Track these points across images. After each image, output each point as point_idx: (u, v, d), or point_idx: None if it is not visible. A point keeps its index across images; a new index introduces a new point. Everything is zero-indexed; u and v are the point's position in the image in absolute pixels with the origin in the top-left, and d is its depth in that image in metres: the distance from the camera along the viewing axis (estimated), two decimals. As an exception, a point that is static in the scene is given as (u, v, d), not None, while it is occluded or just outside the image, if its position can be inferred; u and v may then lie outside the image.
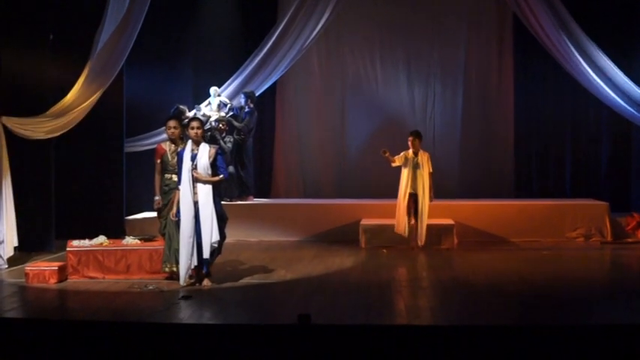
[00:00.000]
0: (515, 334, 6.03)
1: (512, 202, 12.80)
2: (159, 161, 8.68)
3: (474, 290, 8.15)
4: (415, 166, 10.68)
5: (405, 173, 10.74)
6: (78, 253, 8.78)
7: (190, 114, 11.96)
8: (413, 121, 13.75)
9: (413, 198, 10.69)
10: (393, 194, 10.95)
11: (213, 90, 12.84)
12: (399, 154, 10.77)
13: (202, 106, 12.80)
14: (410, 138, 10.79)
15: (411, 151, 10.76)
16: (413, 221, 10.74)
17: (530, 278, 8.83)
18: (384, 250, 10.86)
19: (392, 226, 10.86)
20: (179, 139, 8.70)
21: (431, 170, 10.74)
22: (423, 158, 10.73)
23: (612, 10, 13.32)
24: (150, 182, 8.87)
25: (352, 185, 14.10)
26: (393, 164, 10.79)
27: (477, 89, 14.21)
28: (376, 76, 14.34)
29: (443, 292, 8.16)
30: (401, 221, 10.76)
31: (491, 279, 8.82)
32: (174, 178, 8.51)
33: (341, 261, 10.03)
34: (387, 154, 10.68)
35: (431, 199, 10.73)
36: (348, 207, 12.46)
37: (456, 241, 11.15)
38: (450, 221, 11.43)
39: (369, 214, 12.02)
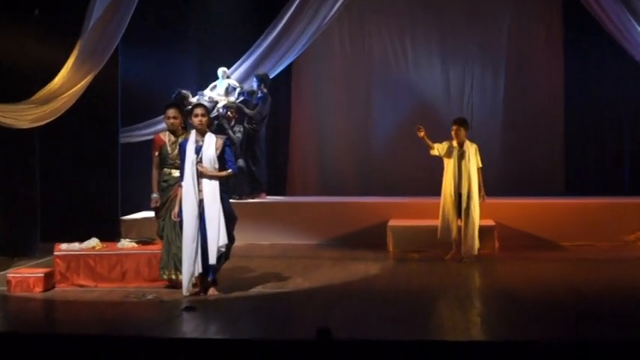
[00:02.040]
0: (566, 351, 5.96)
1: (562, 200, 12.71)
2: (157, 154, 8.69)
3: (518, 302, 8.09)
4: (460, 159, 10.28)
5: (449, 169, 10.36)
6: (67, 258, 8.79)
7: (194, 100, 11.95)
8: (448, 109, 13.75)
9: (459, 198, 10.32)
10: (426, 191, 10.84)
11: (221, 71, 12.83)
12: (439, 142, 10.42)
13: (207, 90, 12.79)
14: (454, 127, 10.37)
15: (455, 142, 10.38)
16: (460, 224, 10.37)
17: (584, 288, 8.76)
18: (415, 255, 10.81)
19: (424, 228, 10.75)
20: (180, 129, 8.70)
21: (480, 165, 10.38)
22: (470, 150, 10.34)
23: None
24: (148, 178, 8.87)
25: (379, 181, 14.08)
26: (432, 151, 10.41)
27: (521, 71, 14.17)
28: (406, 57, 14.34)
29: (482, 303, 8.14)
30: (446, 225, 10.38)
31: (538, 289, 8.76)
32: (174, 173, 8.52)
33: (366, 268, 10.02)
34: (422, 134, 10.26)
35: (482, 199, 10.35)
36: (374, 206, 12.45)
37: (497, 244, 11.10)
38: (491, 222, 11.34)
39: (398, 213, 11.99)
